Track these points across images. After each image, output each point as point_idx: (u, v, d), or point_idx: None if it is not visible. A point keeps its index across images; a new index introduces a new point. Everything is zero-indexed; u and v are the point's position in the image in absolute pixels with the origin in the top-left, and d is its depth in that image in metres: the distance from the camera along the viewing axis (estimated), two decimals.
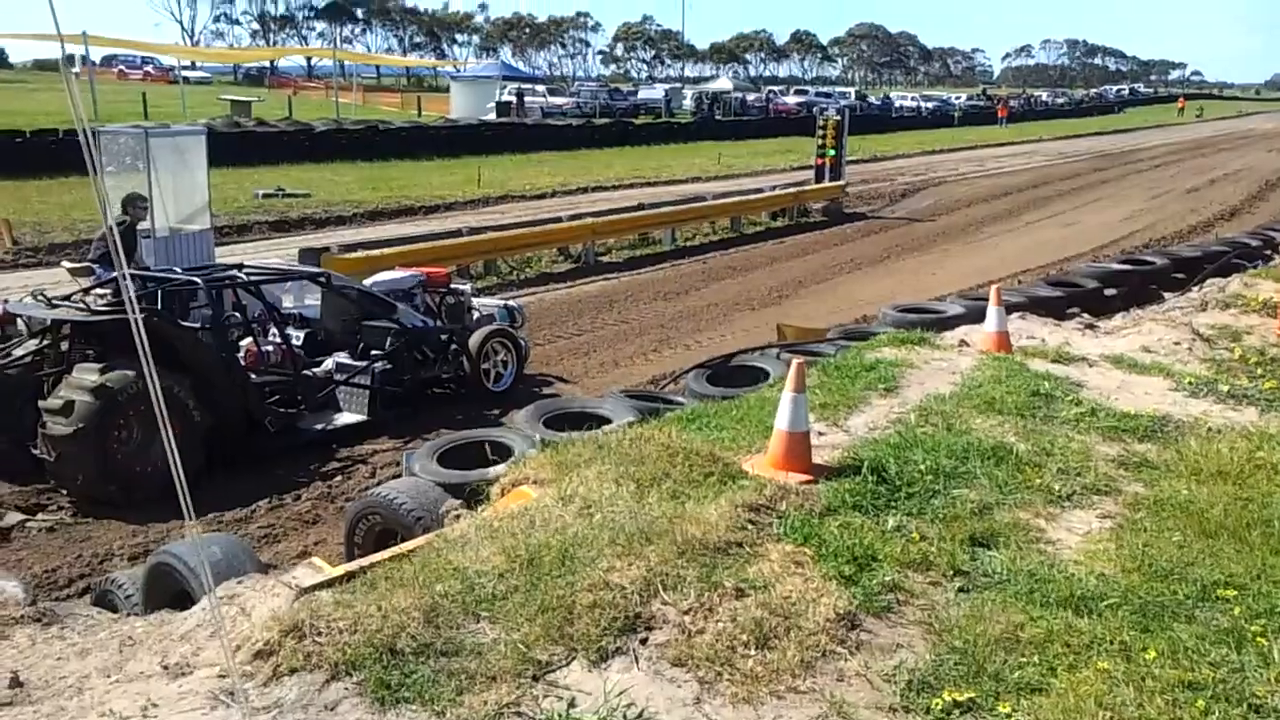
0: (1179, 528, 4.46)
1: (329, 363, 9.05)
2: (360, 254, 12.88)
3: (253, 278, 8.97)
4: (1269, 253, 14.58)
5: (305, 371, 8.72)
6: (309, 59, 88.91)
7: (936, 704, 3.11)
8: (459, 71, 63.41)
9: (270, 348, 8.76)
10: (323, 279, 9.36)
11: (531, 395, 9.17)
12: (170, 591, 4.27)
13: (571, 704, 3.05)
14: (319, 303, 9.56)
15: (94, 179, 3.03)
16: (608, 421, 6.24)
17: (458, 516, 4.76)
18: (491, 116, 42.55)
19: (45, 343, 7.71)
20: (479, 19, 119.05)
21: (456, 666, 3.17)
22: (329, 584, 3.74)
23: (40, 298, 7.75)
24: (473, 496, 5.17)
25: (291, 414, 8.35)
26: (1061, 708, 3.07)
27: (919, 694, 3.18)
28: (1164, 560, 4.13)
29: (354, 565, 4.01)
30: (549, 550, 3.80)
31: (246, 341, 8.64)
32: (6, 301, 8.76)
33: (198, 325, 8.10)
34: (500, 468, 5.27)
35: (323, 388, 8.74)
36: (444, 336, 9.46)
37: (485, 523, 4.23)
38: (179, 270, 9.05)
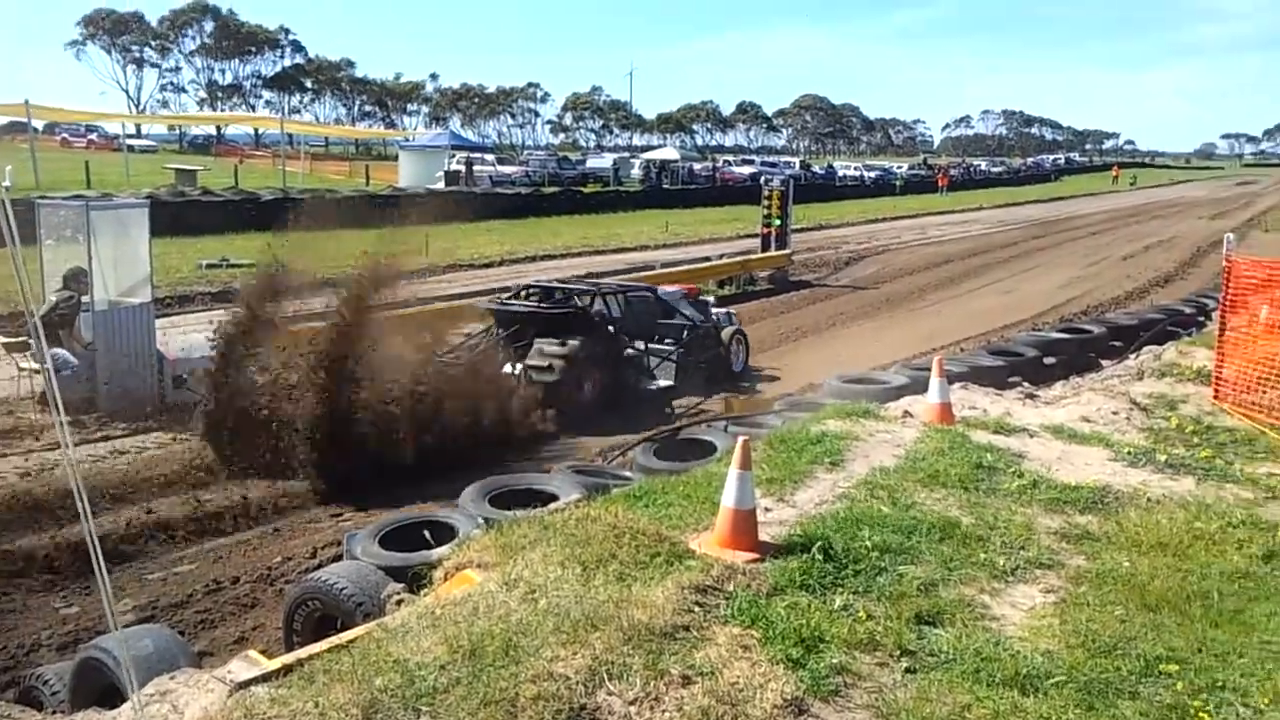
0: (1121, 601, 4.51)
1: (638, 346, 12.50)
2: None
3: (618, 290, 12.95)
4: (1202, 320, 14.95)
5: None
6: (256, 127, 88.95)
7: None
8: (408, 140, 63.67)
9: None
10: (651, 290, 13.48)
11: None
12: (99, 687, 4.12)
13: None
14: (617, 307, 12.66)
15: (11, 252, 3.00)
16: (555, 499, 6.18)
17: (399, 602, 4.67)
18: (440, 185, 42.67)
19: (506, 330, 11.47)
20: (429, 89, 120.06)
21: None
22: (265, 678, 3.63)
23: (504, 301, 12.43)
24: (415, 580, 5.08)
25: (642, 378, 11.88)
26: None
27: None
28: (1107, 635, 4.16)
29: (291, 658, 3.91)
30: (492, 639, 3.73)
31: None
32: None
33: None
34: (444, 549, 5.19)
35: (656, 362, 12.24)
36: (703, 331, 13.01)
37: (427, 610, 4.15)
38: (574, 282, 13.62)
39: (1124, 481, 6.27)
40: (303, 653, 3.96)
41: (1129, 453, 6.89)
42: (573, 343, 10.76)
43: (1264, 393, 8.25)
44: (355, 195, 34.52)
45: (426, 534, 5.67)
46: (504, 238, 29.07)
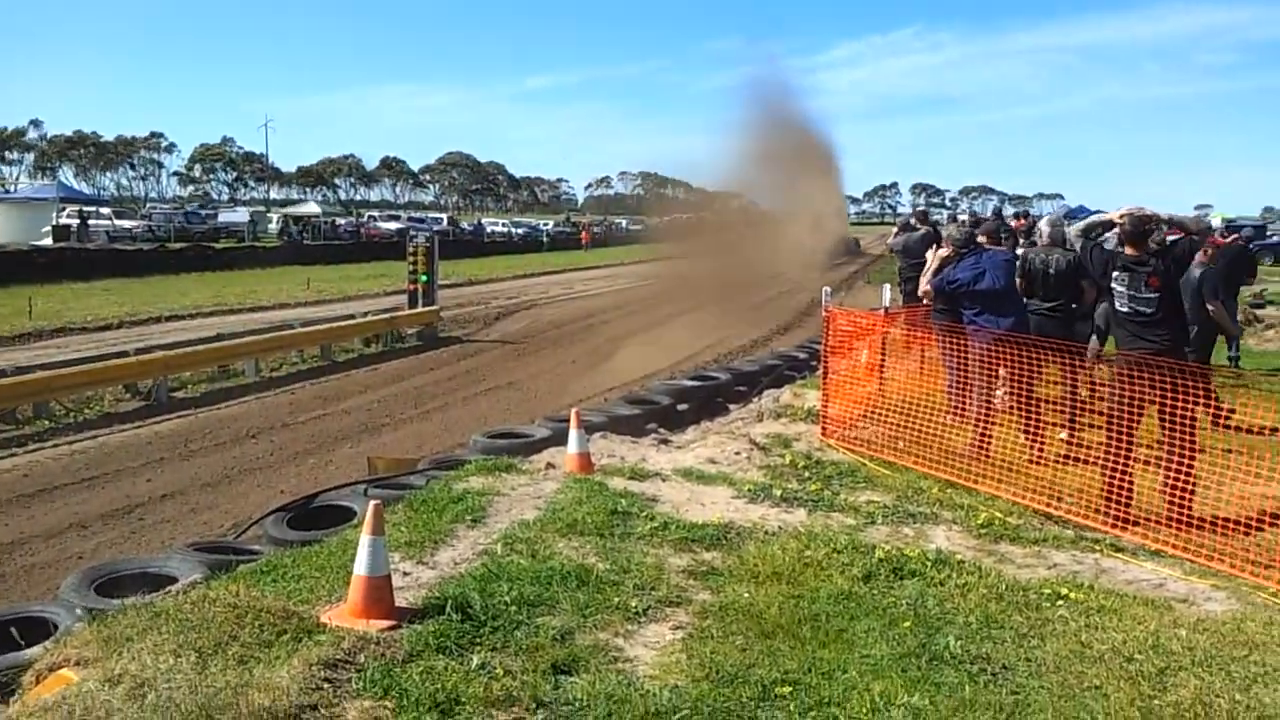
0: (742, 631, 4.80)
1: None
2: None
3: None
4: (814, 364, 16.44)
5: None
6: None
7: None
8: (7, 192, 57.18)
9: None
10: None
11: None
12: None
13: None
14: None
15: None
16: (173, 581, 5.68)
17: None
18: (47, 241, 38.66)
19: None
20: (32, 135, 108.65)
21: None
22: None
23: None
24: (3, 689, 4.48)
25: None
26: None
27: None
28: (729, 665, 4.40)
29: None
30: None
31: None
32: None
33: None
34: (36, 649, 4.61)
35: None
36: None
37: None
38: None
39: (745, 517, 6.72)
40: None
41: (749, 490, 7.40)
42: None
43: (863, 428, 9.20)
44: None
45: (14, 632, 5.01)
46: (123, 298, 26.81)
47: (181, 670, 3.92)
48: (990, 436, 8.33)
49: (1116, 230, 7.29)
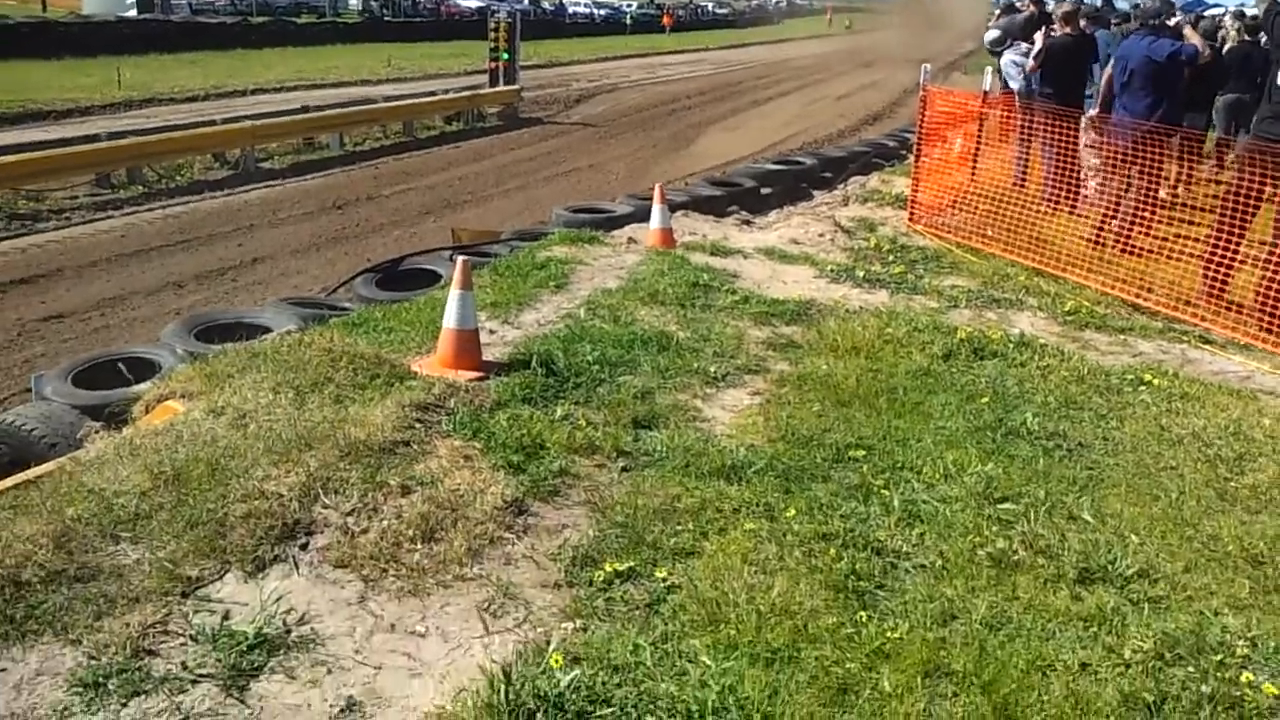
0: (819, 399, 4.87)
1: None
2: None
3: None
4: (904, 153, 15.97)
5: None
6: None
7: (599, 576, 3.24)
8: None
9: None
10: None
11: None
12: None
13: (226, 616, 2.92)
14: None
15: None
16: (267, 331, 5.90)
17: (96, 438, 4.37)
18: (133, 13, 38.40)
19: None
20: None
21: (94, 591, 2.94)
22: None
23: None
24: (115, 418, 4.77)
25: None
26: (712, 567, 3.29)
27: (582, 568, 3.30)
28: (805, 429, 4.49)
29: None
30: (197, 464, 3.57)
31: None
32: None
33: None
34: (144, 385, 4.87)
35: None
36: None
37: (126, 441, 3.91)
38: None
39: (826, 296, 6.70)
40: None
41: (832, 270, 7.36)
42: None
43: (952, 215, 8.99)
44: (31, 22, 30.64)
45: (123, 369, 5.30)
46: (208, 71, 26.71)
47: (280, 405, 4.12)
48: (1103, 229, 8.10)
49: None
